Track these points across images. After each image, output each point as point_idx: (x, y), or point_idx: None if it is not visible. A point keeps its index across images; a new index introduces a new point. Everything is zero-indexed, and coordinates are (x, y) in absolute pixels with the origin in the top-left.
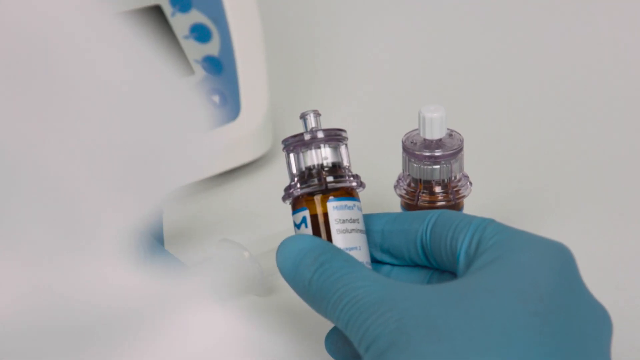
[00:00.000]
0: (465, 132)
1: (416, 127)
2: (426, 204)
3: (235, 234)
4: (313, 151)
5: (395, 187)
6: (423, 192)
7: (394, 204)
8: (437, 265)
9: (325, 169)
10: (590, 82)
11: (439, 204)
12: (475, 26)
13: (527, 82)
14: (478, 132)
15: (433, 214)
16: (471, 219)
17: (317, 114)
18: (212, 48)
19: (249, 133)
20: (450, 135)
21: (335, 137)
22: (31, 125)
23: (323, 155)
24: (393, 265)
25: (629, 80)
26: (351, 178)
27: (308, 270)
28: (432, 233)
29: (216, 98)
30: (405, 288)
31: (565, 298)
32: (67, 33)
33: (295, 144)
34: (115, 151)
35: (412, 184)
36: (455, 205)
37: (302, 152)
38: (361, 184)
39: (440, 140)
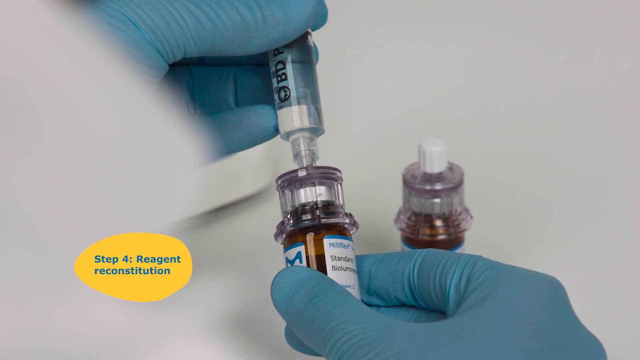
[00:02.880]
0: (465, 165)
1: (416, 160)
2: (427, 238)
3: (235, 268)
4: (307, 188)
5: (396, 220)
6: (424, 226)
7: (395, 238)
8: (425, 305)
9: (319, 205)
10: (592, 117)
11: (440, 237)
12: (475, 59)
13: (528, 115)
14: (478, 165)
15: (420, 253)
16: (459, 255)
17: (312, 152)
18: None
19: (249, 166)
20: (451, 168)
21: (329, 176)
22: (15, 169)
23: (317, 192)
24: (379, 306)
25: (630, 116)
26: (344, 216)
27: (301, 302)
28: (419, 272)
29: None
30: (400, 327)
31: (558, 334)
32: (51, 75)
33: (290, 181)
34: (100, 191)
35: (413, 218)
36: (455, 239)
37: (296, 190)
38: (354, 224)
39: (440, 173)
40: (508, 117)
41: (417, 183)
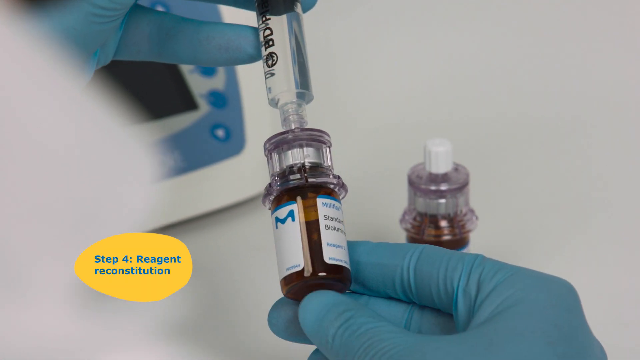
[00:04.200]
0: (471, 166)
1: (422, 161)
2: (432, 238)
3: (240, 269)
4: (296, 150)
5: (401, 221)
6: (429, 226)
7: (400, 238)
8: (419, 302)
9: (307, 165)
10: (599, 115)
11: (445, 238)
12: (482, 59)
13: (534, 115)
14: (484, 166)
15: (414, 250)
16: (461, 256)
17: (300, 117)
18: (218, 82)
19: (255, 167)
20: (456, 169)
21: (317, 138)
22: None
23: (305, 154)
24: (369, 295)
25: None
26: (333, 178)
27: (332, 326)
28: (417, 271)
29: (220, 132)
30: (431, 339)
31: (579, 338)
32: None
33: (278, 142)
34: (51, 200)
35: (418, 218)
36: (461, 239)
37: (284, 151)
38: (343, 186)
39: (446, 174)
40: (513, 117)
41: (422, 183)
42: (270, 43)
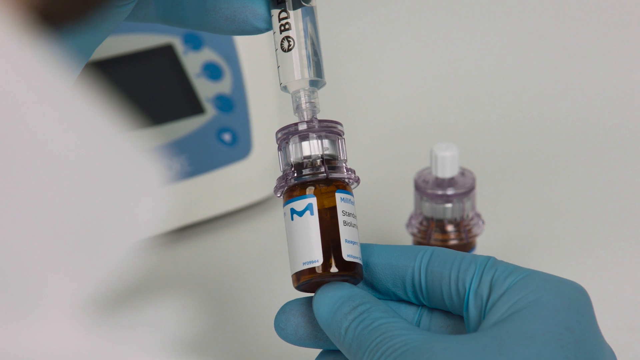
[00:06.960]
0: (477, 170)
1: (428, 165)
2: (438, 243)
3: (247, 273)
4: (314, 141)
5: (407, 225)
6: (435, 231)
7: (406, 243)
8: (429, 304)
9: (326, 158)
10: (609, 120)
11: (451, 242)
12: (487, 64)
13: (541, 119)
14: (490, 170)
15: (425, 252)
16: (472, 257)
17: (313, 105)
18: (224, 86)
19: (261, 171)
20: (463, 173)
21: (333, 130)
22: None
23: (325, 146)
24: (377, 298)
25: None
26: (350, 172)
27: (345, 319)
28: (428, 271)
29: (227, 136)
30: (442, 338)
31: (591, 341)
32: (4, 94)
33: (293, 133)
34: (59, 213)
35: (424, 223)
36: (467, 244)
37: (300, 142)
38: (358, 180)
39: (452, 178)
40: (519, 121)
41: (428, 188)
42: (287, 27)
